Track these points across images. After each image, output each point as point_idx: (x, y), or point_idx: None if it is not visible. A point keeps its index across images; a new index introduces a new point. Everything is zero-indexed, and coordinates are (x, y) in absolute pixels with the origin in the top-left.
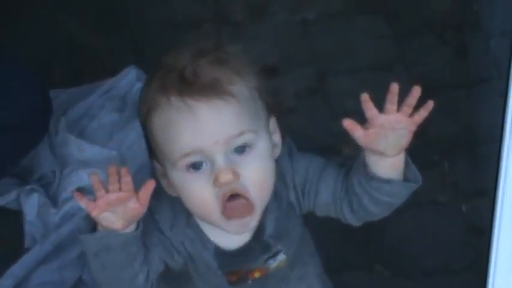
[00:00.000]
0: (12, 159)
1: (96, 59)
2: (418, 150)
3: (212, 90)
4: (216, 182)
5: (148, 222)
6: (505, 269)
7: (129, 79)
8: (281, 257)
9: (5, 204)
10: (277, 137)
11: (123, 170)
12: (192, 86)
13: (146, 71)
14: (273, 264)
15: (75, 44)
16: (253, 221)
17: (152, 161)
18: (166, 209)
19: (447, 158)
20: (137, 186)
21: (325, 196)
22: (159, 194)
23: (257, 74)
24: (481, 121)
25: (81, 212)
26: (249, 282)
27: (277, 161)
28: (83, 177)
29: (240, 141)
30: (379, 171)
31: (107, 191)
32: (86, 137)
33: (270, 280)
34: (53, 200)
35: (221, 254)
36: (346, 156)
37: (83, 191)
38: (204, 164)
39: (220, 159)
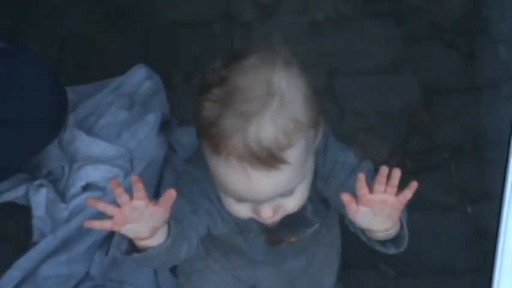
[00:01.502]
0: (28, 154)
1: (105, 58)
2: (426, 153)
3: (272, 162)
4: (256, 212)
5: (199, 192)
6: (510, 270)
7: (138, 77)
8: (315, 227)
9: (13, 199)
10: (320, 135)
11: (134, 178)
12: (254, 158)
13: (155, 69)
14: (308, 231)
15: (85, 43)
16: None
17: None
18: (209, 185)
19: (454, 160)
20: (146, 183)
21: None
22: (209, 169)
23: (310, 88)
24: (487, 125)
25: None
26: (284, 244)
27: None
28: (92, 172)
29: (287, 192)
30: (368, 234)
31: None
32: (94, 134)
33: (301, 242)
34: (62, 195)
35: (263, 224)
36: None
37: (91, 186)
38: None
39: (265, 206)
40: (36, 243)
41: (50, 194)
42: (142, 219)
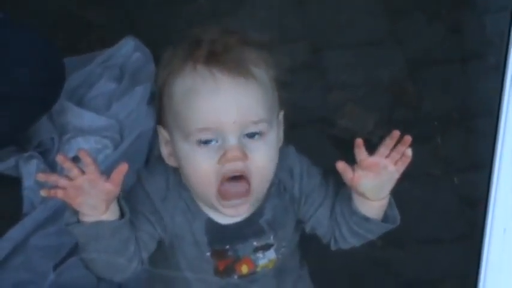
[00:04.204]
0: (25, 127)
1: (92, 32)
2: (413, 124)
3: (238, 66)
4: (223, 157)
5: (138, 194)
6: (499, 238)
7: (127, 49)
8: (271, 254)
9: (3, 171)
10: (281, 131)
11: (81, 152)
12: (220, 58)
13: (142, 43)
14: (262, 260)
15: (72, 17)
16: (245, 207)
17: (159, 128)
18: (159, 181)
19: (440, 131)
20: (136, 154)
21: (322, 220)
22: (153, 166)
23: (276, 67)
24: (473, 96)
25: None
26: (235, 277)
27: (285, 154)
28: (82, 144)
29: (254, 129)
30: (361, 209)
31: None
32: (84, 105)
33: (255, 285)
34: (52, 167)
35: (213, 227)
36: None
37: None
38: (213, 141)
39: (232, 139)
40: (27, 214)
41: (40, 165)
42: (95, 194)
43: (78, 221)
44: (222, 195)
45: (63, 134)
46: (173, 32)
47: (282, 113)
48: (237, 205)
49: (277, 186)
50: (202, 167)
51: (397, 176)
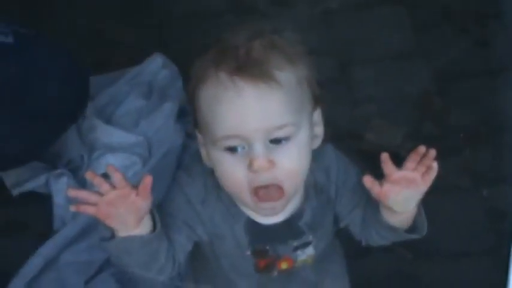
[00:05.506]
0: (52, 141)
1: (120, 50)
2: (440, 137)
3: (260, 72)
4: (250, 167)
5: (176, 197)
6: None
7: (155, 66)
8: (310, 250)
9: (34, 188)
10: (319, 129)
11: (110, 167)
12: (242, 65)
13: (170, 60)
14: (301, 256)
15: (101, 35)
16: (282, 206)
17: (195, 131)
18: (198, 184)
19: (468, 144)
20: (164, 170)
21: (356, 219)
22: (190, 169)
23: (310, 64)
24: (501, 109)
25: None
26: (275, 273)
27: (322, 154)
28: (111, 161)
29: (279, 134)
30: (388, 219)
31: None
32: (113, 123)
33: (294, 278)
34: (81, 184)
35: (253, 227)
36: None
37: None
38: (239, 148)
39: (257, 147)
40: (57, 230)
41: (70, 182)
42: (126, 209)
43: (112, 236)
44: (258, 199)
45: (93, 152)
46: (201, 49)
47: (318, 111)
48: (273, 205)
49: (315, 188)
50: (233, 174)
51: (424, 189)
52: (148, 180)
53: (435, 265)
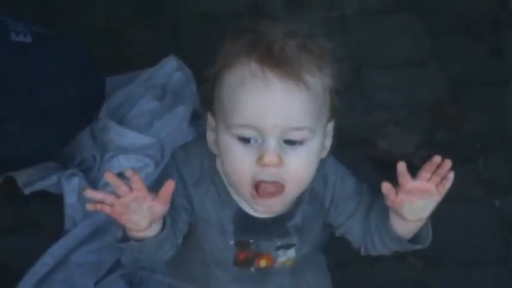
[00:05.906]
0: (70, 140)
1: (134, 51)
2: (454, 145)
3: (291, 71)
4: (259, 160)
5: (172, 176)
6: None
7: (169, 68)
8: (291, 253)
9: (46, 188)
10: (328, 141)
11: (129, 171)
12: (275, 60)
13: (184, 62)
14: (282, 257)
15: (116, 35)
16: (278, 207)
17: (208, 113)
18: (194, 165)
19: (481, 153)
20: None
21: (353, 228)
22: (189, 149)
23: (335, 75)
24: None
25: None
26: (252, 269)
27: (322, 162)
28: (123, 162)
29: (295, 136)
30: (396, 227)
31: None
32: (126, 124)
33: (269, 281)
34: (93, 184)
35: (241, 217)
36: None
37: (122, 175)
38: (253, 140)
39: (271, 142)
40: (68, 230)
41: (81, 182)
42: (141, 211)
43: (124, 235)
44: (256, 194)
45: (105, 152)
46: (215, 52)
47: (331, 123)
48: (270, 204)
49: (310, 193)
50: (241, 164)
51: (439, 198)
52: (170, 185)
53: (446, 274)
